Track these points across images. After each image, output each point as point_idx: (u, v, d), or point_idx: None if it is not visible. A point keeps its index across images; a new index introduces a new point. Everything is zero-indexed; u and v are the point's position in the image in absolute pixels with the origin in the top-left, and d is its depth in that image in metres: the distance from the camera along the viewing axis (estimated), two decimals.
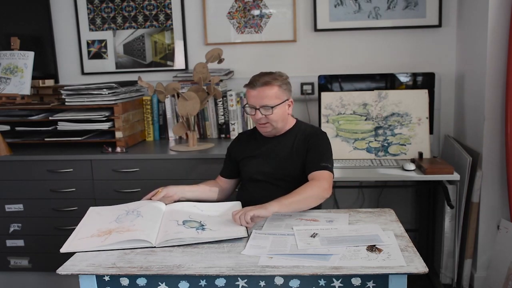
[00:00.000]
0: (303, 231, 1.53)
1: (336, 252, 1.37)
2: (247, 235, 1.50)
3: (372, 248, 1.38)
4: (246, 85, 1.89)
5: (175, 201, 1.84)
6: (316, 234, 1.50)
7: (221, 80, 2.77)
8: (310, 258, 1.34)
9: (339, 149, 2.45)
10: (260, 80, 1.84)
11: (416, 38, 2.80)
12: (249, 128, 2.79)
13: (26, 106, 2.65)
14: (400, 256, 1.34)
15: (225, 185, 2.05)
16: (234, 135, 2.80)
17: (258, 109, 1.83)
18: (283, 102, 1.87)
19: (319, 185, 1.72)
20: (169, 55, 2.98)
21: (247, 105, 1.88)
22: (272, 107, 1.83)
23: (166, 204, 1.79)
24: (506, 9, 2.22)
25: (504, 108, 2.26)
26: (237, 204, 1.79)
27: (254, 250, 1.41)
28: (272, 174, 1.90)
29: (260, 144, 1.96)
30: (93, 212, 1.72)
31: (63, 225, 2.53)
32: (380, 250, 1.37)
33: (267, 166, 1.91)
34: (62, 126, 2.58)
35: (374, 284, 1.28)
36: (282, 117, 1.88)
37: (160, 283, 1.33)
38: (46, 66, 3.04)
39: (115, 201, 2.21)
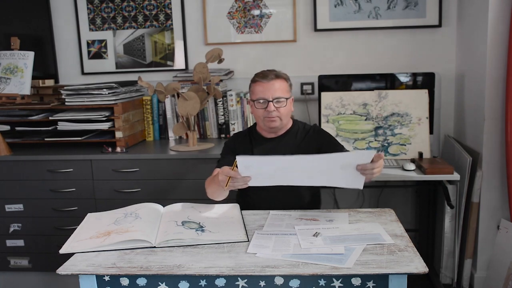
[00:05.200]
0: (305, 231, 1.53)
1: (341, 251, 1.37)
2: (247, 240, 1.50)
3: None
4: (255, 79, 1.87)
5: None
6: (318, 233, 1.50)
7: (221, 80, 2.77)
8: (323, 259, 1.33)
9: None
10: (271, 73, 1.85)
11: (416, 38, 2.80)
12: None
13: (26, 106, 2.65)
14: (400, 256, 1.33)
15: None
16: None
17: (271, 101, 1.81)
18: (291, 97, 1.90)
19: None
20: (169, 55, 2.98)
21: (259, 100, 1.83)
22: (286, 99, 1.84)
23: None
24: (506, 9, 2.22)
25: (504, 108, 2.26)
26: (235, 206, 1.79)
27: (258, 250, 1.41)
28: None
29: (261, 144, 1.94)
30: (91, 218, 1.72)
31: (63, 225, 2.54)
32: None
33: None
34: (62, 126, 2.58)
35: (374, 284, 1.28)
36: (289, 113, 1.90)
37: (160, 283, 1.33)
38: (46, 66, 3.03)
39: (115, 201, 2.22)
